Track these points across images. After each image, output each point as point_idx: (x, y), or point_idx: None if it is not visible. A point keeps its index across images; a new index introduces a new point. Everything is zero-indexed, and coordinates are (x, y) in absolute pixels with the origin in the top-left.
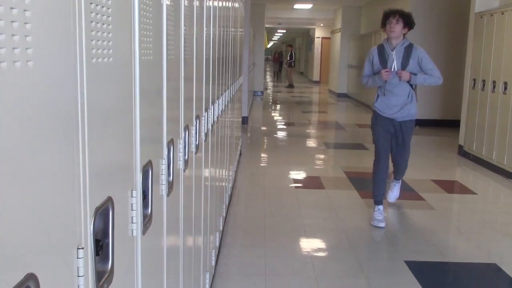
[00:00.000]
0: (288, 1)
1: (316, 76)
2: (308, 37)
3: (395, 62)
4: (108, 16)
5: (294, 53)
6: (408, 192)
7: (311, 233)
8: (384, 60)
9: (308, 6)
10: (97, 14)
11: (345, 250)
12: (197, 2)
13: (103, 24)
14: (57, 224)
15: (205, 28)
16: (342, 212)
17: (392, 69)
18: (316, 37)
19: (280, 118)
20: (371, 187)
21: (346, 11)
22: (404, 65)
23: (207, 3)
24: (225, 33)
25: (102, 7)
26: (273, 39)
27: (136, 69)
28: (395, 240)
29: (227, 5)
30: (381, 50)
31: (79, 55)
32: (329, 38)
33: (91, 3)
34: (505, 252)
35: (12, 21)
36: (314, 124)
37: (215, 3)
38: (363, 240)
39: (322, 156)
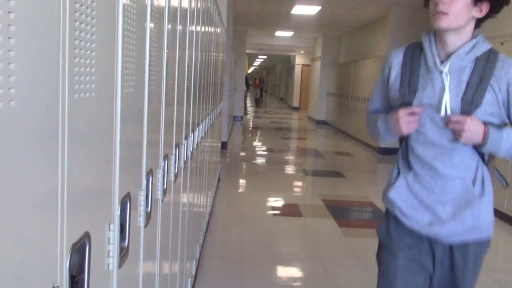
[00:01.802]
0: (270, 28)
1: (296, 103)
2: (288, 63)
3: (446, 91)
4: (92, 51)
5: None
6: None
7: (288, 261)
8: (414, 83)
9: (289, 33)
10: (81, 49)
11: (321, 280)
12: (180, 26)
13: (86, 59)
14: (32, 261)
15: (187, 53)
16: (319, 241)
17: (442, 111)
18: (297, 64)
19: (260, 144)
20: (348, 216)
21: (326, 40)
22: (469, 102)
23: (190, 28)
24: (207, 58)
25: (87, 42)
26: (254, 64)
27: (117, 102)
28: (374, 271)
29: (209, 30)
30: (416, 57)
31: (61, 91)
32: (309, 65)
33: (75, 39)
34: None
35: None
36: (293, 151)
37: (198, 28)
38: (340, 270)
39: (300, 183)
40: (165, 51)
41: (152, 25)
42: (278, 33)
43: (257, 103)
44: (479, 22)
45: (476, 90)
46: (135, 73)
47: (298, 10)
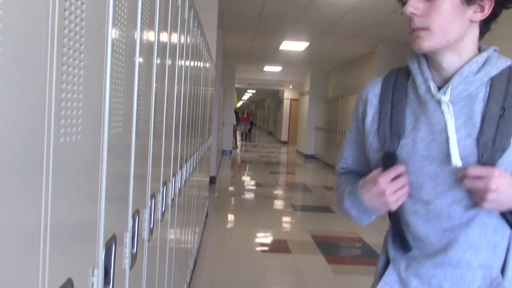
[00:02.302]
0: (259, 63)
1: (284, 137)
2: (277, 98)
3: (451, 131)
4: (79, 94)
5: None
6: None
7: None
8: (398, 122)
9: (278, 68)
10: (67, 93)
11: None
12: (169, 61)
13: (73, 102)
14: None
15: (176, 87)
16: (308, 278)
17: (453, 161)
18: (285, 98)
19: (248, 178)
20: (337, 252)
21: (314, 75)
22: (490, 145)
23: (179, 63)
24: (196, 92)
25: (74, 85)
26: (243, 98)
27: (104, 142)
28: None
29: (198, 65)
30: (400, 84)
31: (46, 136)
32: (297, 99)
33: (62, 83)
34: None
35: None
36: (281, 185)
37: (187, 63)
38: None
39: (288, 219)
40: (154, 85)
41: (141, 59)
42: (267, 68)
43: (245, 137)
44: (483, 28)
45: (499, 125)
46: (123, 111)
47: (287, 46)
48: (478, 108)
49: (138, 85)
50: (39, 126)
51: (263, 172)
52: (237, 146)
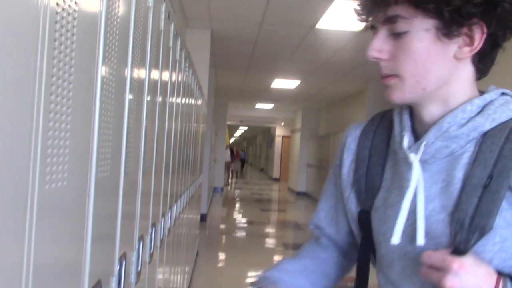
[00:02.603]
0: (251, 100)
1: (276, 174)
2: (269, 135)
3: (420, 201)
4: (66, 140)
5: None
6: None
7: None
8: (373, 175)
9: (270, 106)
10: (54, 140)
11: None
12: (160, 98)
13: (60, 148)
14: None
15: (166, 124)
16: None
17: (419, 239)
18: (277, 136)
19: (240, 216)
20: None
21: (305, 113)
22: (468, 225)
23: (170, 100)
24: (187, 129)
25: (61, 132)
26: (235, 135)
27: (91, 187)
28: None
29: (190, 102)
30: (382, 131)
31: (31, 184)
32: (289, 137)
33: (48, 131)
34: None
35: None
36: (273, 223)
37: (178, 100)
38: None
39: (280, 258)
40: (144, 122)
41: (131, 97)
42: (259, 105)
43: (236, 175)
44: (479, 64)
45: (481, 199)
46: (112, 150)
47: (278, 84)
48: (460, 173)
49: (128, 122)
50: (24, 173)
51: (254, 210)
52: (229, 183)
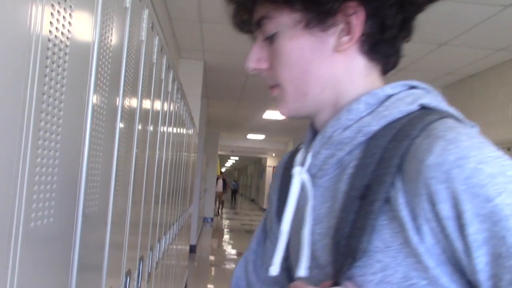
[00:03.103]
0: (242, 131)
1: (266, 204)
2: (260, 165)
3: (286, 217)
4: (54, 176)
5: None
6: None
7: None
8: (285, 195)
9: (261, 136)
10: (41, 176)
11: None
12: (151, 127)
13: (47, 185)
14: None
15: (157, 153)
16: None
17: (273, 268)
18: (268, 166)
19: (230, 247)
20: None
21: (296, 143)
22: (343, 247)
23: (161, 129)
24: (178, 159)
25: (49, 167)
26: (226, 165)
27: (78, 222)
28: None
29: (181, 131)
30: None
31: (16, 222)
32: None
33: (36, 167)
34: None
35: None
36: None
37: (169, 129)
38: None
39: None
40: (135, 151)
41: (122, 125)
42: (250, 136)
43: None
44: (373, 54)
45: (358, 213)
46: (100, 183)
47: (270, 115)
48: (344, 185)
49: (118, 151)
50: (8, 212)
51: (244, 241)
52: (219, 214)
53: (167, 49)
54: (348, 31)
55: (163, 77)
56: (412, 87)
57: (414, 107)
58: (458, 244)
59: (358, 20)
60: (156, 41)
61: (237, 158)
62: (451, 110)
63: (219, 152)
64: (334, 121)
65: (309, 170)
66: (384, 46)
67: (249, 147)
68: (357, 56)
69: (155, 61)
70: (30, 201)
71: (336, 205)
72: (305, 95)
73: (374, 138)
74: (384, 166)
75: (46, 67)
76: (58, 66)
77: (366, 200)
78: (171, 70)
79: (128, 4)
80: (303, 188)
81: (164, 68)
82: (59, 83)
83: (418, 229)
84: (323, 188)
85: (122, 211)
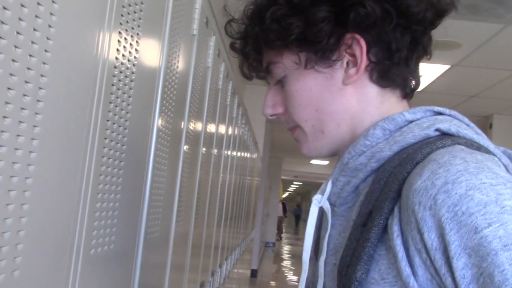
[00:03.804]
0: (305, 156)
1: None
2: None
3: (305, 245)
4: (116, 202)
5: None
6: None
7: None
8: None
9: (325, 162)
10: (103, 202)
11: None
12: (215, 150)
13: (109, 211)
14: None
15: (220, 180)
16: None
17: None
18: None
19: (291, 273)
20: None
21: None
22: (344, 275)
23: (225, 152)
24: (241, 182)
25: (111, 194)
26: (288, 190)
27: (139, 249)
28: None
29: (244, 155)
30: None
31: (76, 249)
32: None
33: (98, 193)
34: None
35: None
36: None
37: (233, 153)
38: None
39: None
40: (198, 174)
41: (186, 148)
42: (314, 161)
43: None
44: (382, 81)
45: (358, 242)
46: (163, 205)
47: None
48: (354, 213)
49: (182, 173)
50: (68, 239)
51: None
52: (281, 238)
53: (233, 75)
54: (354, 62)
55: (228, 103)
56: (438, 114)
57: (430, 132)
58: (447, 281)
59: (360, 50)
60: (222, 68)
61: (300, 183)
62: (477, 137)
63: (282, 177)
64: (351, 147)
65: (329, 199)
66: (396, 71)
67: (313, 172)
68: (368, 85)
69: (220, 87)
70: (91, 227)
71: (347, 235)
72: (323, 133)
73: (384, 164)
74: (385, 191)
75: (112, 91)
76: (124, 93)
77: (365, 227)
78: (236, 96)
79: (195, 32)
80: (325, 217)
81: (229, 93)
82: (124, 106)
83: (410, 261)
84: (343, 218)
85: (184, 232)
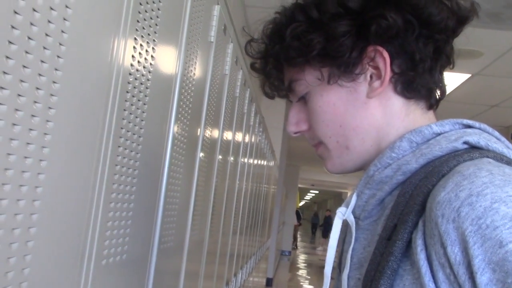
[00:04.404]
0: (322, 165)
1: None
2: (340, 199)
3: (348, 261)
4: (129, 212)
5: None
6: None
7: None
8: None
9: None
10: (116, 212)
11: None
12: (232, 158)
13: (121, 221)
14: None
15: (236, 187)
16: None
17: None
18: None
19: (307, 282)
20: None
21: None
22: None
23: (242, 160)
24: (257, 190)
25: (124, 203)
26: (305, 198)
27: (153, 257)
28: None
29: (261, 163)
30: None
31: (87, 260)
32: None
33: (110, 202)
34: None
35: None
36: None
37: (250, 161)
38: None
39: None
40: (214, 181)
41: (202, 155)
42: None
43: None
44: (407, 93)
45: (382, 256)
46: (178, 212)
47: None
48: (380, 227)
49: (198, 179)
50: (79, 249)
51: (322, 277)
52: (297, 247)
53: (251, 83)
54: (378, 75)
55: (245, 110)
56: (467, 126)
57: (458, 144)
58: None
59: (384, 62)
60: (239, 75)
61: (317, 192)
62: (507, 151)
63: (299, 185)
64: (377, 160)
65: (354, 212)
66: (420, 81)
67: (330, 181)
68: (392, 97)
69: (238, 94)
70: (103, 237)
71: (371, 247)
72: (347, 149)
73: (410, 177)
74: (410, 204)
75: (126, 99)
76: (139, 100)
77: (390, 241)
78: (254, 104)
79: (213, 39)
80: (349, 231)
81: (246, 101)
82: (139, 114)
83: (434, 276)
84: (367, 231)
85: (199, 240)
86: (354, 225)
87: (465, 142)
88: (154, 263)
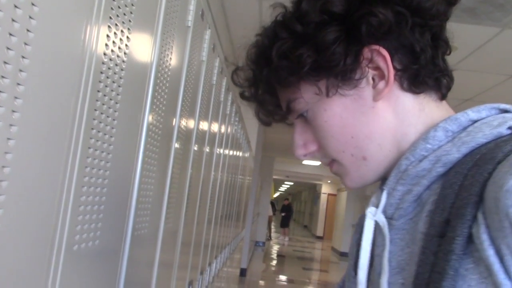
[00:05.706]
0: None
1: (320, 232)
2: (314, 191)
3: (363, 264)
4: (102, 196)
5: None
6: None
7: None
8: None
9: (317, 163)
10: (88, 196)
11: None
12: (207, 148)
13: (94, 205)
14: None
15: (211, 178)
16: None
17: None
18: (323, 193)
19: (280, 273)
20: None
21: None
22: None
23: (217, 151)
24: (233, 181)
25: (97, 187)
26: (279, 189)
27: (126, 245)
28: None
29: (237, 154)
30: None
31: (57, 246)
32: (335, 195)
33: (83, 186)
34: None
35: None
36: (314, 284)
37: (225, 152)
38: None
39: None
40: (189, 172)
41: (177, 145)
42: (306, 162)
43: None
44: (415, 88)
45: (437, 254)
46: (152, 200)
47: None
48: (422, 224)
49: (173, 170)
50: (49, 233)
51: (295, 268)
52: (271, 238)
53: (227, 71)
54: (381, 75)
55: (221, 99)
56: (504, 111)
57: (503, 130)
58: None
59: (384, 61)
60: (216, 63)
61: (291, 183)
62: None
63: (274, 176)
64: (409, 153)
65: (385, 212)
66: (426, 73)
67: (304, 173)
68: (401, 96)
69: (214, 82)
70: (75, 222)
71: (416, 249)
72: (365, 160)
73: (454, 167)
74: (464, 196)
75: (99, 88)
76: (112, 88)
77: (445, 238)
78: (230, 92)
79: (190, 24)
80: (380, 233)
81: (223, 90)
82: (113, 100)
83: (508, 272)
84: (404, 231)
85: (174, 230)
86: (386, 226)
87: (509, 127)
88: (128, 250)
